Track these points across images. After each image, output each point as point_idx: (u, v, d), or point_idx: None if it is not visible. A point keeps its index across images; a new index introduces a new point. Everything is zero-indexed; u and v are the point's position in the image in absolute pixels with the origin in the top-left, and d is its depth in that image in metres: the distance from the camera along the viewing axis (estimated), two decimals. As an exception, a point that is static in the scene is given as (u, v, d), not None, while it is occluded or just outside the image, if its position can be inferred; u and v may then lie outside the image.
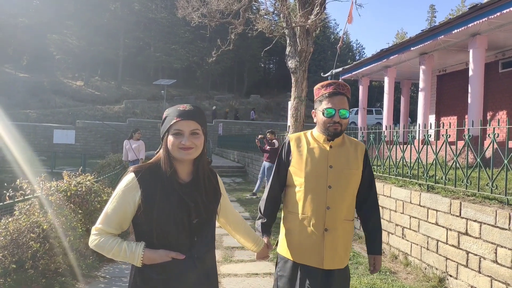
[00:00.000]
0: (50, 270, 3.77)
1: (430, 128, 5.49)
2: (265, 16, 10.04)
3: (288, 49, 9.08)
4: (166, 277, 1.53)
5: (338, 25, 58.36)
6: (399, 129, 8.78)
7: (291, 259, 2.04)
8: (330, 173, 2.00)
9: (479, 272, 3.58)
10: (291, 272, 2.04)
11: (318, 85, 2.12)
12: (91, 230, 1.57)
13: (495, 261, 3.40)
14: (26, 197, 4.08)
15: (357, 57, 49.23)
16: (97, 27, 36.63)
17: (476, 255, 3.63)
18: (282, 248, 2.11)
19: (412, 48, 9.52)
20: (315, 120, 2.11)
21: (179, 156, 1.54)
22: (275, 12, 9.82)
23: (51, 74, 38.37)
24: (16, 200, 4.07)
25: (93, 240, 1.54)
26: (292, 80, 9.09)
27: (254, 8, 13.11)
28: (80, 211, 4.54)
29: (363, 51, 55.58)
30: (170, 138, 1.54)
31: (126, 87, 39.74)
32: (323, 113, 2.02)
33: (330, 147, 2.05)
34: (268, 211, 2.19)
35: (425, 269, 4.38)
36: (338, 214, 2.00)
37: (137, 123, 25.99)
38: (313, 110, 2.13)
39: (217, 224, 1.77)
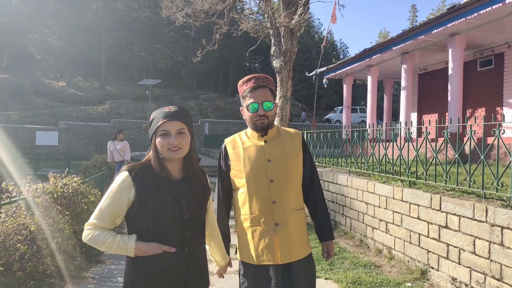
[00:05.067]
0: (38, 272, 3.76)
1: (412, 125, 5.64)
2: (250, 16, 10.10)
3: (272, 49, 9.16)
4: (158, 270, 1.59)
5: (322, 25, 58.92)
6: (382, 127, 8.97)
7: (251, 263, 2.00)
8: (270, 167, 1.98)
9: (459, 263, 3.73)
10: (253, 275, 1.99)
11: (240, 82, 2.08)
12: (80, 230, 1.62)
13: (474, 253, 3.55)
14: (12, 199, 4.05)
15: (341, 56, 49.73)
16: (79, 26, 35.95)
17: (456, 247, 3.77)
18: (241, 254, 2.07)
19: (393, 48, 9.73)
20: (244, 118, 2.08)
21: (168, 156, 1.61)
22: (260, 12, 9.88)
23: (32, 74, 37.49)
24: (2, 202, 4.03)
25: (86, 235, 1.59)
26: (277, 80, 9.17)
27: (238, 8, 13.16)
28: (67, 213, 4.53)
29: (347, 50, 56.33)
30: (159, 139, 1.61)
31: (110, 88, 39.17)
32: (247, 109, 2.00)
33: (265, 141, 2.03)
34: (222, 227, 2.07)
35: (408, 262, 4.52)
36: (285, 206, 1.98)
37: (121, 124, 25.73)
38: (240, 108, 2.10)
39: None
